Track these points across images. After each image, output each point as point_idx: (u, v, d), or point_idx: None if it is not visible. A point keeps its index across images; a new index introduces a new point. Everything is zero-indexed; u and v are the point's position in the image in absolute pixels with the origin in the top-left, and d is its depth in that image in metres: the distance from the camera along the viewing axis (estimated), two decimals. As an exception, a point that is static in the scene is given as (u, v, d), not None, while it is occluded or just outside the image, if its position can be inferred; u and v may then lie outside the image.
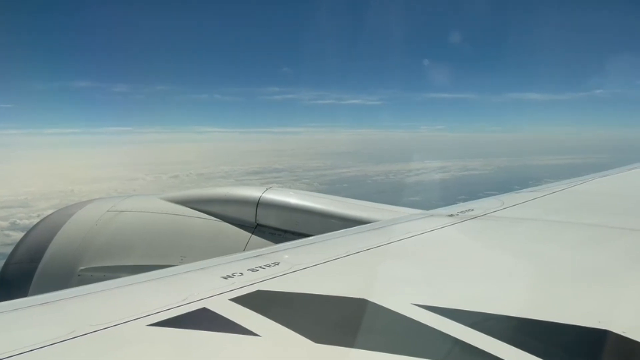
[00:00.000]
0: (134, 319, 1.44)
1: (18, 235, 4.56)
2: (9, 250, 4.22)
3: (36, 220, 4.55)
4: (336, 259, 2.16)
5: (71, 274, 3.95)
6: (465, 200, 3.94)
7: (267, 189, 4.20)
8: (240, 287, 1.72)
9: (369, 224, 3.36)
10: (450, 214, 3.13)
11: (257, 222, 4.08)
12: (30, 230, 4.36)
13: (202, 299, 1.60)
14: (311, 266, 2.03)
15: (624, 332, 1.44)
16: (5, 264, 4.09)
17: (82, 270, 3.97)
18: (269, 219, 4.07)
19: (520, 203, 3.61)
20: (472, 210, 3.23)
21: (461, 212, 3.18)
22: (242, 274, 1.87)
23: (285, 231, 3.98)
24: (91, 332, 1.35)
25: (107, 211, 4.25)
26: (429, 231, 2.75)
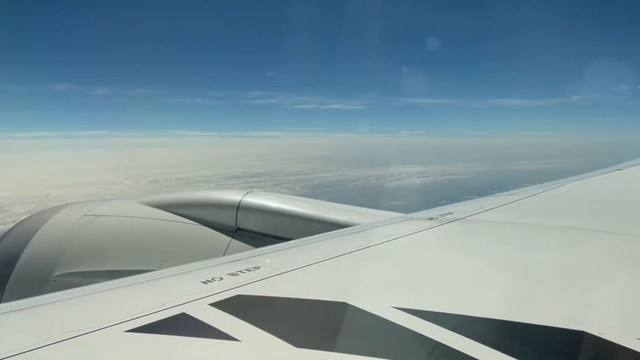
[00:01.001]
0: (111, 325, 1.42)
1: (-8, 241, 4.44)
2: (-18, 256, 4.11)
3: (11, 226, 4.45)
4: (317, 262, 2.16)
5: (47, 280, 3.87)
6: (447, 204, 3.98)
7: (247, 193, 4.18)
8: (220, 292, 1.71)
9: (349, 228, 3.37)
10: (429, 217, 3.16)
11: (238, 226, 4.06)
12: (4, 235, 4.26)
13: (181, 304, 1.58)
14: (292, 270, 2.02)
15: (600, 333, 1.47)
16: None
17: (58, 275, 3.90)
18: (250, 223, 4.05)
19: (497, 206, 3.67)
20: (451, 213, 3.27)
21: (440, 215, 3.21)
22: (222, 279, 1.85)
23: (266, 235, 3.96)
24: (67, 339, 1.32)
25: (84, 215, 4.19)
26: (408, 234, 2.77)
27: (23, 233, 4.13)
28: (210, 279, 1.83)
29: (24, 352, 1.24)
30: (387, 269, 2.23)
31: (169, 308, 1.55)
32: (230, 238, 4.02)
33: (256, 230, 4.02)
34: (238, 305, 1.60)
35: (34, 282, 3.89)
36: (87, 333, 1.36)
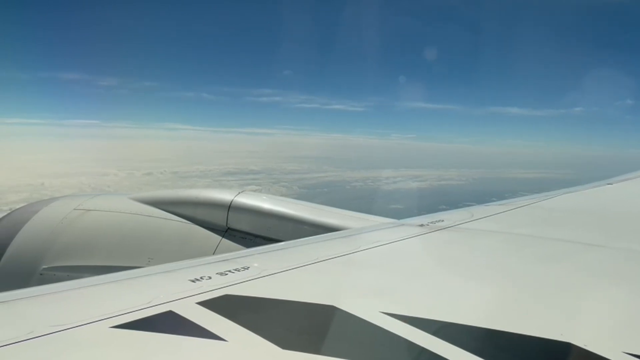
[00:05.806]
0: (97, 321, 1.41)
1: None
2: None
3: (3, 214, 4.42)
4: (306, 265, 2.16)
5: (33, 273, 3.84)
6: (446, 209, 4.01)
7: (239, 193, 4.16)
8: (208, 291, 1.70)
9: (340, 232, 3.37)
10: (420, 224, 3.17)
11: (228, 225, 4.04)
12: None
13: (168, 302, 1.58)
14: (281, 272, 2.03)
15: (585, 345, 1.49)
16: None
17: (44, 269, 3.86)
18: (240, 223, 4.02)
19: (488, 216, 3.68)
20: (442, 221, 3.28)
21: (431, 222, 3.22)
22: (210, 278, 1.85)
23: (256, 236, 3.94)
24: (51, 333, 1.32)
25: (74, 209, 4.16)
26: (398, 240, 2.78)
27: (11, 225, 4.10)
28: (198, 278, 1.83)
29: (6, 345, 1.23)
30: (376, 273, 2.24)
31: (155, 305, 1.54)
32: (220, 237, 4.00)
33: (247, 231, 3.99)
34: (226, 305, 1.60)
35: (20, 274, 3.86)
36: (71, 328, 1.36)
